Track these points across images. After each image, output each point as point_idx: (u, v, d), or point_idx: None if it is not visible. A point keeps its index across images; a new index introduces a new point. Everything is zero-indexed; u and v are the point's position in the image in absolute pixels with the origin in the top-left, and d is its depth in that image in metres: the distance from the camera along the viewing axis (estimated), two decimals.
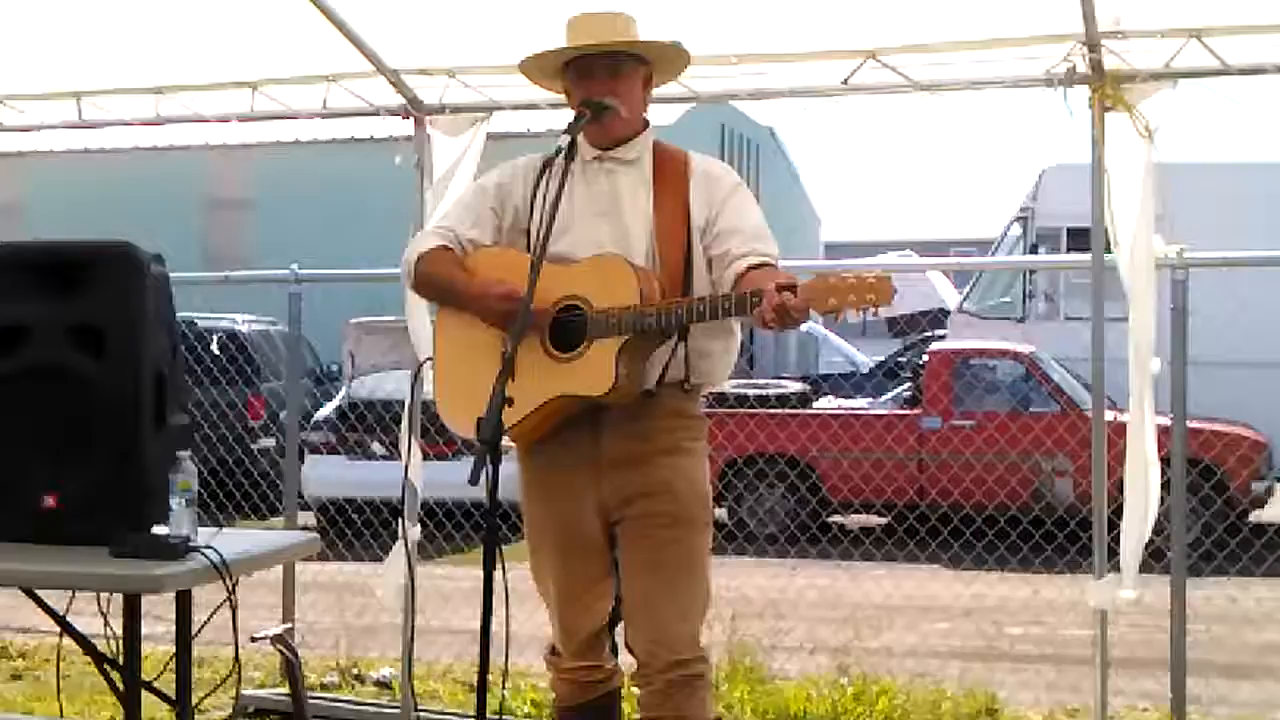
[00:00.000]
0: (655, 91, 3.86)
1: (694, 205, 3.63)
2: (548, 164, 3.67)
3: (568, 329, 3.52)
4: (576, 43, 3.66)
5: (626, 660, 3.73)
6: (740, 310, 3.35)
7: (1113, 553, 4.70)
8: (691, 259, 3.61)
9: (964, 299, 16.59)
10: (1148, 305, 4.55)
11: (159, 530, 3.50)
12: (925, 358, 12.74)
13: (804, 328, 20.66)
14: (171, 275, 3.79)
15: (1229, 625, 7.58)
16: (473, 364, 3.64)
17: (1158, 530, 4.62)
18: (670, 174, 3.68)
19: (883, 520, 11.94)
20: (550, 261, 3.47)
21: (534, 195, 3.71)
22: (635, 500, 3.60)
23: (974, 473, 10.61)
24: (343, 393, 13.03)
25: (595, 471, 3.62)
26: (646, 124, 3.77)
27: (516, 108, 5.34)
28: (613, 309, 3.46)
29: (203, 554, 3.37)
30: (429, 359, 3.93)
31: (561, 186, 3.48)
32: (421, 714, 5.61)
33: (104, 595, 3.59)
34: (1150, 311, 4.56)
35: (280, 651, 4.47)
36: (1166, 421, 4.92)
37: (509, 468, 3.30)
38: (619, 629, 3.73)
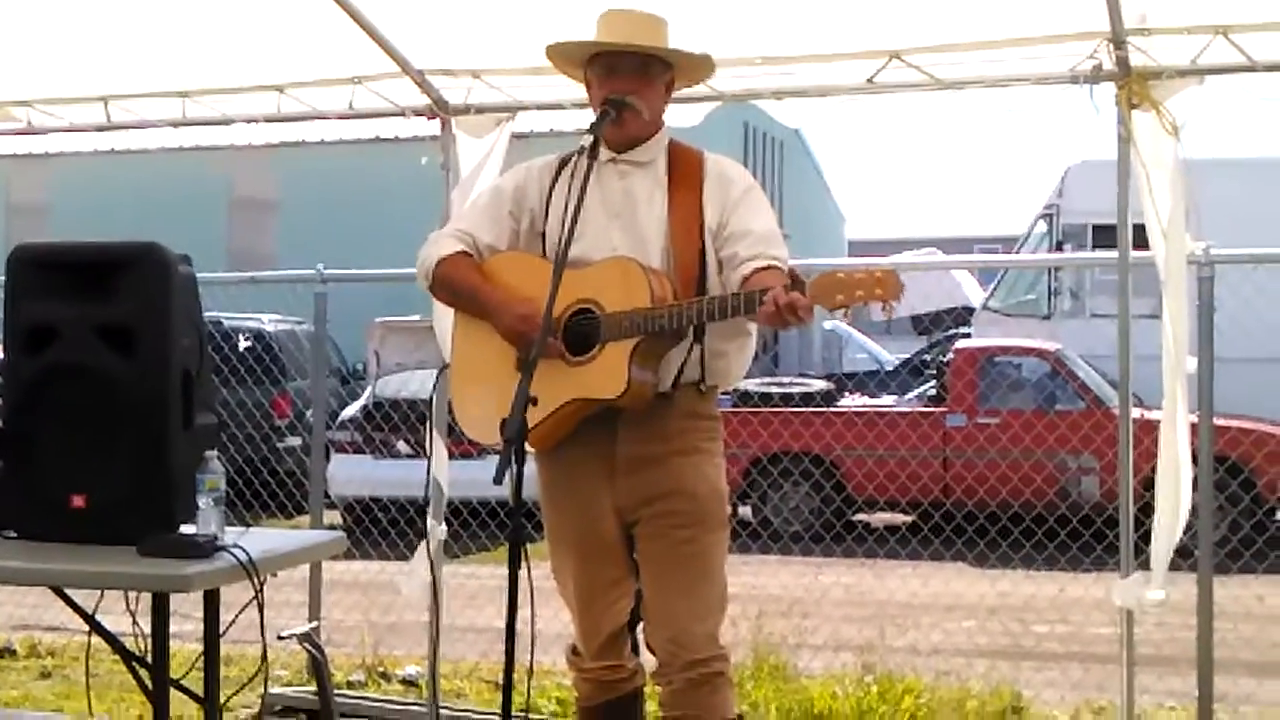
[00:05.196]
0: (679, 91, 3.85)
1: (707, 207, 3.63)
2: (563, 164, 3.67)
3: (581, 332, 3.52)
4: (608, 38, 3.64)
5: (648, 659, 3.74)
6: (749, 309, 3.34)
7: (1139, 550, 4.68)
8: (705, 260, 3.60)
9: (989, 296, 16.56)
10: (1181, 303, 4.52)
11: (187, 529, 3.52)
12: (950, 355, 12.71)
13: (828, 325, 20.66)
14: (198, 275, 3.82)
15: (1256, 623, 7.53)
16: (488, 370, 3.65)
17: (1185, 528, 4.60)
18: (685, 175, 3.67)
19: (908, 518, 11.91)
20: (565, 265, 3.46)
21: (549, 197, 3.72)
22: (651, 501, 3.60)
23: (999, 470, 10.57)
24: (368, 392, 13.07)
25: (610, 473, 3.62)
26: (662, 125, 3.76)
27: (541, 108, 5.35)
28: (624, 311, 3.45)
29: (230, 553, 3.40)
30: (447, 365, 3.94)
31: (585, 186, 3.47)
32: (447, 712, 5.63)
33: (132, 594, 3.61)
34: (1185, 309, 4.53)
35: (307, 650, 4.49)
36: (1193, 418, 4.91)
37: (532, 467, 3.31)
38: (640, 628, 3.74)
